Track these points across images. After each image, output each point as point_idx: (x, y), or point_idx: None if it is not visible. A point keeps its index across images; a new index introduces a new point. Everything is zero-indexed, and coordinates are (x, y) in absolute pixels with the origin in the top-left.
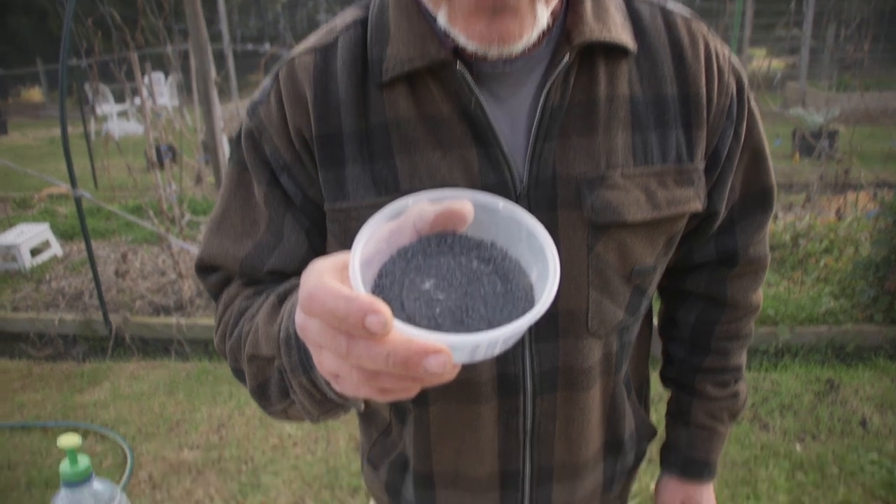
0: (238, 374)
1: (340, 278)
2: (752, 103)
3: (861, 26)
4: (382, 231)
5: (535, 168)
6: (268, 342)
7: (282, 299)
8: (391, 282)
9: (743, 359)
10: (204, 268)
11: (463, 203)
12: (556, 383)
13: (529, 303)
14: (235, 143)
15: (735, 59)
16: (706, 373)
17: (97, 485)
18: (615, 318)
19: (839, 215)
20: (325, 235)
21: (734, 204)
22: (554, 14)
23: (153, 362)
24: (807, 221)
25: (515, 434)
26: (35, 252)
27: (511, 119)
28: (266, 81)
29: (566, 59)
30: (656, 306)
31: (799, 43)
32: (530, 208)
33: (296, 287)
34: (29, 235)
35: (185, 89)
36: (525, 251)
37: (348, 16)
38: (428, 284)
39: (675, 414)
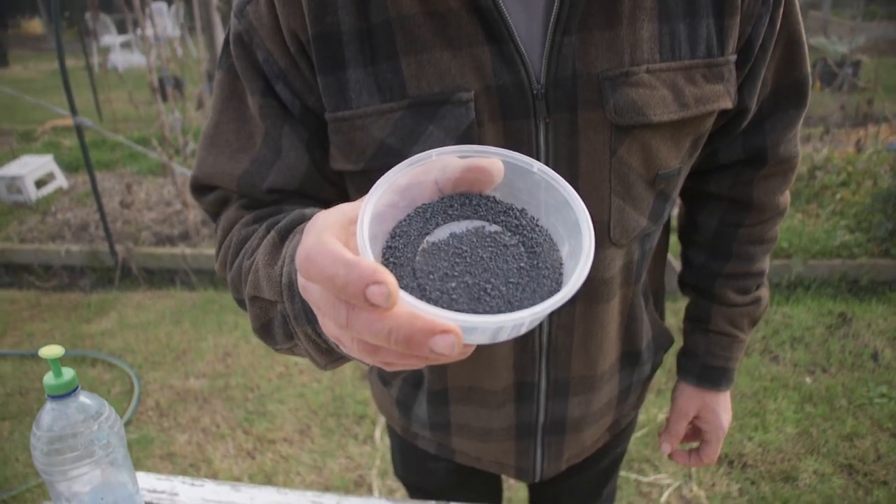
0: (241, 304)
1: (346, 235)
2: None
3: None
4: (399, 182)
5: (554, 65)
6: (269, 285)
7: (283, 236)
8: (404, 244)
9: (766, 264)
10: (200, 187)
11: (492, 161)
12: (574, 295)
13: (556, 283)
14: (224, 48)
15: None
16: (728, 278)
17: (84, 398)
18: (638, 227)
19: (858, 147)
20: (328, 148)
21: (765, 98)
22: None
23: (159, 292)
24: (824, 154)
25: (531, 348)
26: (40, 184)
27: (526, 11)
28: None
29: None
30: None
31: None
32: (548, 110)
33: (297, 222)
34: (33, 167)
35: (187, 19)
36: (558, 222)
37: None
38: (445, 253)
39: (694, 320)
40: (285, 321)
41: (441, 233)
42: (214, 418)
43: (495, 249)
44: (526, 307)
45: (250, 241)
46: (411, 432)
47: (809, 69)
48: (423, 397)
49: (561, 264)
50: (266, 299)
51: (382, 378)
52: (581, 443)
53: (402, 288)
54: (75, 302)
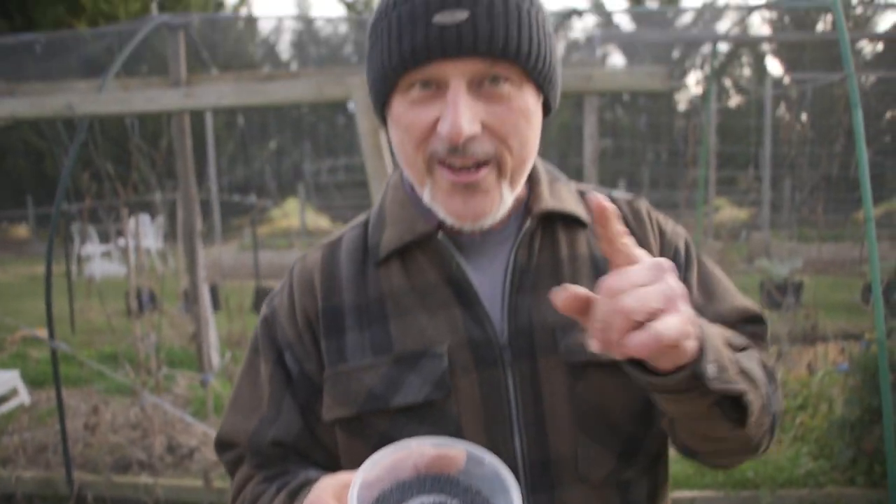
0: None
1: (342, 497)
2: (703, 259)
3: (813, 191)
4: (386, 461)
5: (513, 320)
6: None
7: (292, 496)
8: None
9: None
10: (221, 444)
11: (457, 450)
12: None
13: None
14: (255, 330)
15: (678, 226)
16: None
17: None
18: (608, 464)
19: (810, 369)
20: (318, 415)
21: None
22: (519, 200)
23: None
24: (780, 376)
25: None
26: (1, 401)
27: (489, 280)
28: (284, 278)
29: (528, 224)
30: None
31: (761, 196)
32: (513, 357)
33: (304, 484)
34: None
35: (169, 234)
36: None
37: (353, 222)
38: None
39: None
40: None
41: (414, 502)
42: None
43: None
44: None
45: (262, 499)
46: None
47: (744, 299)
48: None
49: None
50: None
51: None
52: None
53: None
54: None
